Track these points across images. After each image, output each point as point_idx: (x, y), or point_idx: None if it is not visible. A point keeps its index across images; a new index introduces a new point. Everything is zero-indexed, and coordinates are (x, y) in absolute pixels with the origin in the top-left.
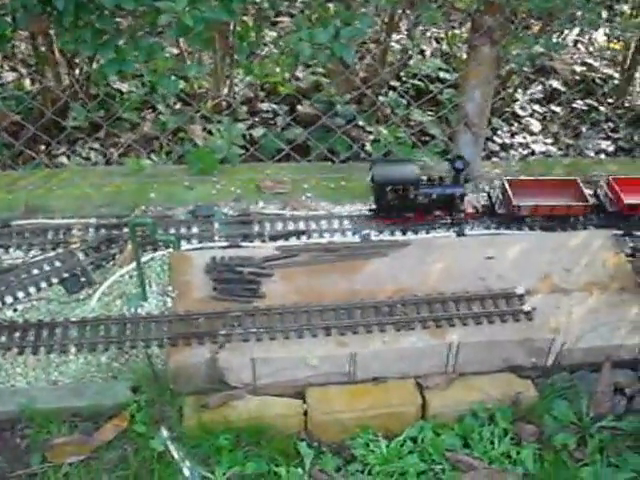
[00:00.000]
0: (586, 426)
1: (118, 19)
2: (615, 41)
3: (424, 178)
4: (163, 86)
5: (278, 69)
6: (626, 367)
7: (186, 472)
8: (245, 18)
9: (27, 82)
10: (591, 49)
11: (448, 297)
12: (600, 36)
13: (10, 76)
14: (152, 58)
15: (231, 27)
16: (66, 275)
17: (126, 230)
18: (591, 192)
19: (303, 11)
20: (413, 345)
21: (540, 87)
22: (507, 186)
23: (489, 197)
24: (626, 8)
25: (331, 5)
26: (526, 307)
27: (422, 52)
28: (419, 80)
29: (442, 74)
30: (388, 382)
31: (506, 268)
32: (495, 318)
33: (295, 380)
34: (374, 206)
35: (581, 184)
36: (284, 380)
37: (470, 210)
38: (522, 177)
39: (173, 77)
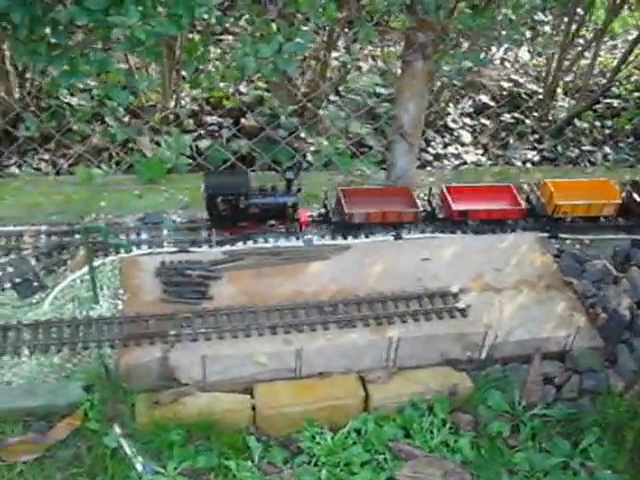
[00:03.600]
0: (519, 414)
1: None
2: (538, 58)
3: (256, 188)
4: (115, 98)
5: (223, 84)
6: (554, 359)
7: (139, 467)
8: (192, 34)
9: None
10: (517, 66)
11: (387, 296)
12: (525, 54)
13: None
14: (104, 71)
15: (178, 41)
16: (18, 280)
17: (77, 237)
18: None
19: (246, 28)
20: (355, 342)
21: (470, 102)
22: (341, 196)
23: (324, 206)
24: (547, 28)
25: (273, 23)
26: (460, 304)
27: (359, 68)
28: (357, 94)
29: (378, 89)
30: (332, 377)
31: (441, 269)
32: (432, 315)
33: (243, 377)
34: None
35: (412, 192)
36: (233, 377)
37: (305, 218)
38: (357, 187)
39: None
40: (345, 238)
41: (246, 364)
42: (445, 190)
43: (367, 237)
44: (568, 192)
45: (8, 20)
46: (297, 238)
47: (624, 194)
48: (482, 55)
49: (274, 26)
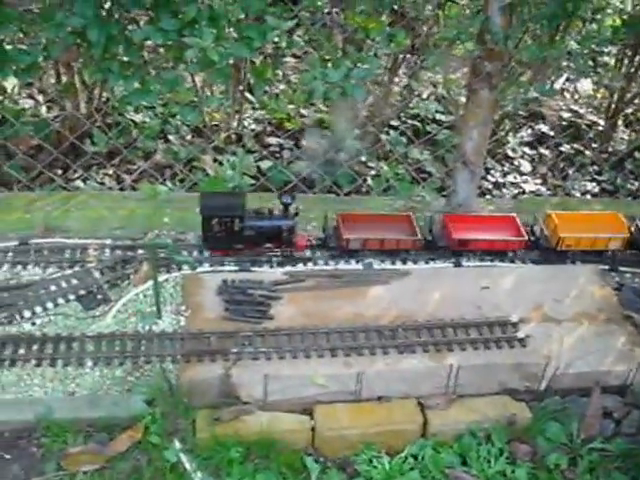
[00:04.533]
0: (577, 447)
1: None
2: (601, 90)
3: (252, 211)
4: (184, 117)
5: (288, 105)
6: (614, 393)
7: None
8: (261, 57)
9: (43, 109)
10: (576, 97)
11: (447, 323)
12: (586, 84)
13: (27, 103)
14: (174, 90)
15: (244, 63)
16: (83, 292)
17: (140, 251)
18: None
19: (306, 52)
20: (414, 367)
21: (530, 131)
22: (340, 221)
23: (324, 231)
24: (607, 59)
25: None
26: (520, 334)
27: (419, 95)
28: (418, 120)
29: (438, 116)
30: (392, 401)
31: (501, 297)
32: (491, 344)
33: (302, 397)
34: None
35: (413, 220)
36: (292, 397)
37: (303, 243)
38: (358, 212)
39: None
40: (404, 263)
41: (305, 385)
42: (446, 218)
43: (427, 263)
44: (573, 225)
45: (83, 38)
46: (357, 262)
47: (633, 228)
48: (547, 85)
49: (340, 49)
